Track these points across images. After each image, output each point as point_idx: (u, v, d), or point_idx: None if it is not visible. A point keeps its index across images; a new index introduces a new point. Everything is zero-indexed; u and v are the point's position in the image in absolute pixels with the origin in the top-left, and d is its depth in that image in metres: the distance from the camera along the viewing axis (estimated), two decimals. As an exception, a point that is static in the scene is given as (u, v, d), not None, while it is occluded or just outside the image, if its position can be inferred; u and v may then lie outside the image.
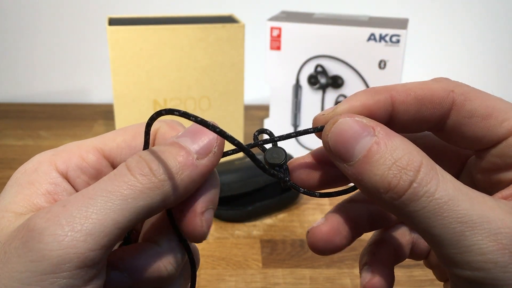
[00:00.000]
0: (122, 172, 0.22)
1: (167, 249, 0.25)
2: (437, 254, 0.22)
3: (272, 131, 0.27)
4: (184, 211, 0.24)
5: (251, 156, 0.23)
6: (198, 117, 0.22)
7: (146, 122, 0.24)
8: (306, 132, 0.25)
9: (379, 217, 0.29)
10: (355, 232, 0.27)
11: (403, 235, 0.30)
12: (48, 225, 0.20)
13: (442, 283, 0.31)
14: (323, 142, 0.24)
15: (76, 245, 0.20)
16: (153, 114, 0.23)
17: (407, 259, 0.30)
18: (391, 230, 0.30)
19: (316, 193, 0.26)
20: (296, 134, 0.25)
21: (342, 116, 0.23)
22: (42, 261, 0.20)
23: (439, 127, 0.25)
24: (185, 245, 0.25)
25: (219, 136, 0.23)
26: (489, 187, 0.25)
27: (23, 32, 0.96)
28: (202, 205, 0.24)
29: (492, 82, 1.02)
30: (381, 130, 0.22)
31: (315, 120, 0.25)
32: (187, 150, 0.23)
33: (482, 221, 0.21)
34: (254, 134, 0.27)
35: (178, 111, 0.22)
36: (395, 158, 0.21)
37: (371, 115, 0.24)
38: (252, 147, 0.25)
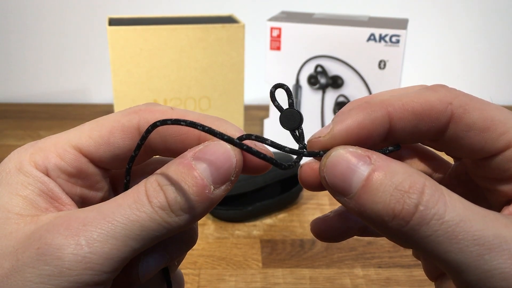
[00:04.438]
0: (142, 201, 0.22)
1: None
2: (456, 282, 0.21)
3: (289, 87, 0.26)
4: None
5: (264, 158, 0.22)
6: (206, 127, 0.22)
7: (141, 135, 0.23)
8: (301, 153, 0.24)
9: None
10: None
11: None
12: (68, 242, 0.20)
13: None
14: (320, 177, 0.23)
15: (93, 267, 0.20)
16: (156, 122, 0.22)
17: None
18: None
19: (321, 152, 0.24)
20: (290, 151, 0.24)
21: (335, 149, 0.22)
22: (59, 277, 0.20)
23: (435, 139, 0.24)
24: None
25: (238, 163, 0.22)
26: (486, 191, 0.25)
27: (23, 32, 0.96)
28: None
29: (491, 82, 1.02)
30: (378, 158, 0.21)
31: (310, 143, 0.24)
32: (204, 183, 0.22)
33: (499, 242, 0.19)
34: (271, 90, 0.26)
35: (185, 121, 0.22)
36: (396, 183, 0.20)
37: (369, 134, 0.23)
38: (244, 140, 0.24)
